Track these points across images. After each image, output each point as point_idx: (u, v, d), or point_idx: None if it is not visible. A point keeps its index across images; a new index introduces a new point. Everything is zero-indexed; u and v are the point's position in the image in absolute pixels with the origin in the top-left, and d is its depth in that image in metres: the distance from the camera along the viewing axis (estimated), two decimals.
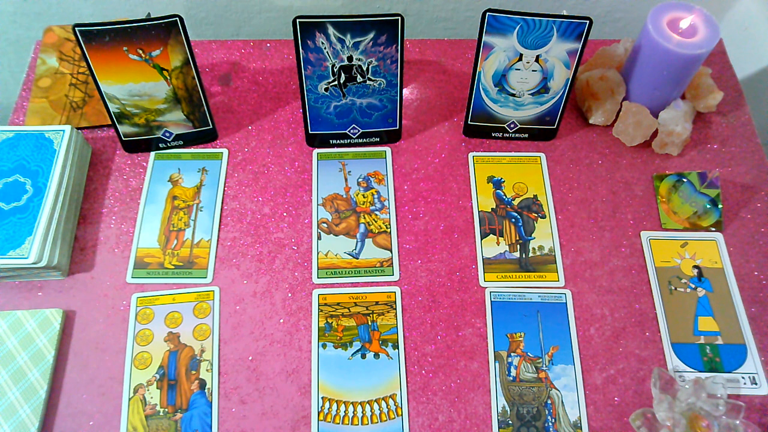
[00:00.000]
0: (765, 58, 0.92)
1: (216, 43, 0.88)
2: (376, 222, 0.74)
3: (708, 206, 0.74)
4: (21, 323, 0.66)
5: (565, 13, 0.68)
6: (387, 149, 0.80)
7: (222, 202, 0.75)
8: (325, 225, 0.74)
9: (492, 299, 0.69)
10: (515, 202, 0.76)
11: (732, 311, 0.69)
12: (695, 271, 0.71)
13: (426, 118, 0.83)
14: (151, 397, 0.64)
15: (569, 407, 0.64)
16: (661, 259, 0.72)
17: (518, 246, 0.73)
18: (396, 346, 0.67)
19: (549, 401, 0.64)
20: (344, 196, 0.76)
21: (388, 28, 0.67)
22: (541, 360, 0.66)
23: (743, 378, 0.65)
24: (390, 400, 0.64)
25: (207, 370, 0.65)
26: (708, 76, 0.80)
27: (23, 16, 1.00)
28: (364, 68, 0.71)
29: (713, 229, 0.74)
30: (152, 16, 0.67)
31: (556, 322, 0.68)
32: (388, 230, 0.74)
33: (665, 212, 0.75)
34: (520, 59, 0.72)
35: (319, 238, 0.73)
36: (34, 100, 0.81)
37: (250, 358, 0.66)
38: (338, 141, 0.79)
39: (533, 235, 0.74)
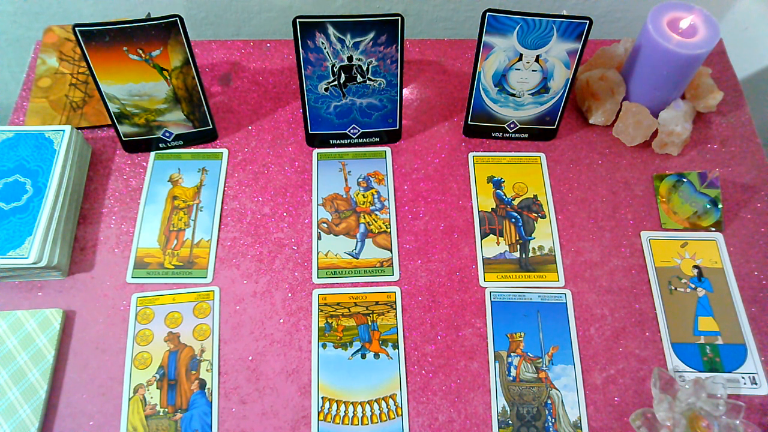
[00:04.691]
0: (765, 58, 0.92)
1: (216, 43, 0.88)
2: (376, 222, 0.74)
3: (708, 206, 0.74)
4: (21, 323, 0.66)
5: (565, 13, 0.68)
6: (387, 149, 0.80)
7: (222, 202, 0.75)
8: (325, 225, 0.74)
9: (492, 299, 0.69)
10: (515, 202, 0.76)
11: (732, 311, 0.69)
12: (695, 271, 0.71)
13: (426, 118, 0.83)
14: (151, 397, 0.64)
15: (569, 407, 0.64)
16: (661, 259, 0.72)
17: (518, 246, 0.73)
18: (396, 346, 0.67)
19: (549, 401, 0.64)
20: (344, 196, 0.76)
21: (388, 28, 0.67)
22: (541, 360, 0.66)
23: (743, 378, 0.65)
24: (390, 400, 0.64)
25: (207, 370, 0.65)
26: (708, 76, 0.80)
27: (23, 16, 1.00)
28: (364, 68, 0.71)
29: (713, 229, 0.74)
30: (152, 16, 0.67)
31: (556, 322, 0.68)
32: (388, 230, 0.74)
33: (665, 212, 0.75)
34: (520, 59, 0.72)
35: (319, 238, 0.73)
36: (34, 100, 0.81)
37: (250, 358, 0.66)
38: (338, 141, 0.79)
39: (533, 235, 0.74)
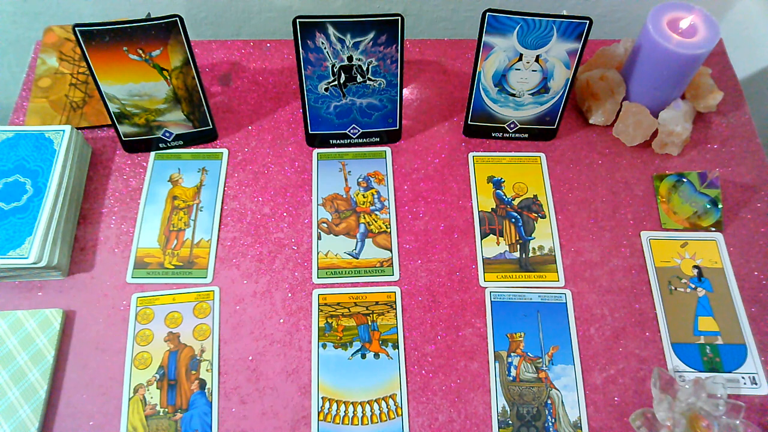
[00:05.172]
0: (765, 58, 0.92)
1: (216, 43, 0.88)
2: (376, 222, 0.74)
3: (708, 206, 0.74)
4: (21, 323, 0.66)
5: (565, 13, 0.68)
6: (387, 149, 0.80)
7: (222, 202, 0.75)
8: (325, 225, 0.74)
9: (492, 299, 0.69)
10: (515, 202, 0.76)
11: (732, 311, 0.69)
12: (695, 271, 0.71)
13: (426, 118, 0.83)
14: (151, 397, 0.64)
15: (569, 407, 0.64)
16: (661, 259, 0.72)
17: (518, 246, 0.73)
18: (396, 346, 0.67)
19: (549, 401, 0.64)
20: (344, 196, 0.76)
21: (388, 28, 0.67)
22: (541, 360, 0.66)
23: (743, 378, 0.65)
24: (390, 400, 0.64)
25: (207, 370, 0.65)
26: (708, 76, 0.80)
27: (23, 16, 1.00)
28: (364, 68, 0.71)
29: (713, 229, 0.74)
30: (152, 16, 0.67)
31: (556, 322, 0.68)
32: (388, 230, 0.74)
33: (665, 212, 0.75)
34: (520, 59, 0.72)
35: (319, 238, 0.73)
36: (34, 100, 0.81)
37: (250, 358, 0.66)
38: (338, 141, 0.79)
39: (533, 235, 0.74)
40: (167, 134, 0.78)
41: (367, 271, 0.71)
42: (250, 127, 0.81)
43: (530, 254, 0.72)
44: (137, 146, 0.78)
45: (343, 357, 0.66)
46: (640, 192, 0.77)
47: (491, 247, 0.73)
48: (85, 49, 0.67)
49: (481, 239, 0.73)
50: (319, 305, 0.69)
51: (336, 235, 0.73)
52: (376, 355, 0.66)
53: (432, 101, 0.84)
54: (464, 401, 0.64)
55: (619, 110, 0.79)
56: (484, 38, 0.70)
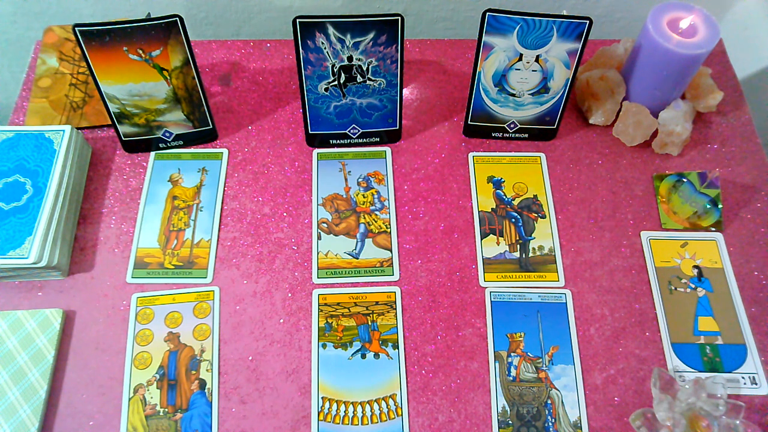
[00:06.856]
0: (765, 58, 0.92)
1: (216, 43, 0.88)
2: (376, 222, 0.74)
3: (708, 206, 0.74)
4: (21, 323, 0.66)
5: (565, 13, 0.68)
6: (387, 149, 0.80)
7: (222, 202, 0.75)
8: (325, 225, 0.74)
9: (492, 299, 0.69)
10: (515, 202, 0.76)
11: (732, 311, 0.69)
12: (695, 271, 0.71)
13: (426, 118, 0.83)
14: (151, 397, 0.64)
15: (569, 407, 0.64)
16: (661, 259, 0.72)
17: (518, 246, 0.73)
18: (396, 346, 0.67)
19: (549, 401, 0.64)
20: (344, 196, 0.76)
21: (388, 28, 0.68)
22: (541, 360, 0.66)
23: (743, 378, 0.65)
24: (390, 400, 0.64)
25: (207, 370, 0.65)
26: (708, 76, 0.80)
27: (23, 16, 1.00)
28: (364, 68, 0.71)
29: (713, 229, 0.74)
30: (152, 16, 0.67)
31: (556, 322, 0.68)
32: (388, 230, 0.74)
33: (665, 212, 0.75)
34: (520, 59, 0.72)
35: (319, 238, 0.73)
36: (34, 100, 0.81)
37: (250, 358, 0.66)
38: (338, 141, 0.79)
39: (533, 235, 0.74)
40: (167, 134, 0.78)
41: (367, 271, 0.71)
42: (250, 127, 0.81)
43: (530, 254, 0.72)
44: (137, 146, 0.78)
45: (343, 357, 0.66)
46: (640, 192, 0.77)
47: (491, 247, 0.73)
48: (85, 49, 0.67)
49: (481, 239, 0.73)
50: (319, 305, 0.69)
51: (336, 235, 0.73)
52: (376, 355, 0.66)
53: (432, 101, 0.84)
54: (464, 401, 0.64)
55: (619, 110, 0.79)
56: (484, 38, 0.70)
